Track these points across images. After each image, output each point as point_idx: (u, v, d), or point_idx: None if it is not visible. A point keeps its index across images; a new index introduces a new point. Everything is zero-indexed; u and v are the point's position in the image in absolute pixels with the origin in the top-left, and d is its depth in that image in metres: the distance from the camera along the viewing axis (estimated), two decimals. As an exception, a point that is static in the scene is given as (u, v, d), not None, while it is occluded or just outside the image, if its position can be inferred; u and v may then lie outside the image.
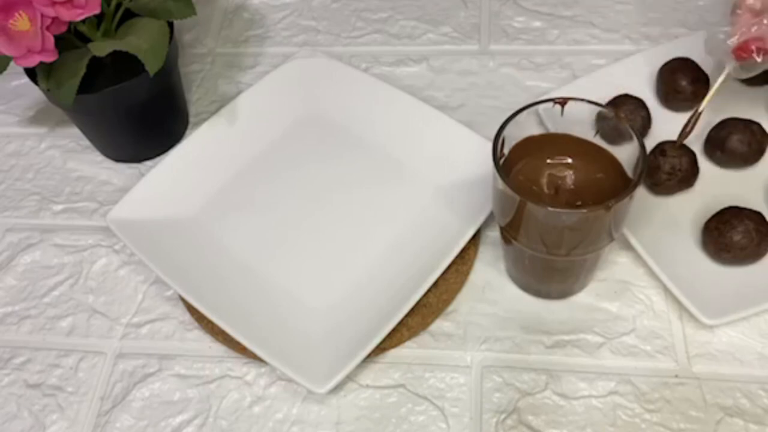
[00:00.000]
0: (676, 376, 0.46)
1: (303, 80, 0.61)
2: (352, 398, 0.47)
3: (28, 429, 0.48)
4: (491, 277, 0.52)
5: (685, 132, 0.51)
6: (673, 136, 0.51)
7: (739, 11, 0.49)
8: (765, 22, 0.48)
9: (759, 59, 0.48)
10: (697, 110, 0.51)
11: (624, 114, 0.53)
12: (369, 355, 0.46)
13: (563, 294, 0.50)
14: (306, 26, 0.70)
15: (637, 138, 0.42)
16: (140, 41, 0.52)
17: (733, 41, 0.48)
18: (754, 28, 0.48)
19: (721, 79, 0.50)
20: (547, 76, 0.63)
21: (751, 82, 0.57)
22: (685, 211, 0.52)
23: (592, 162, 0.45)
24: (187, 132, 0.63)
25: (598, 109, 0.44)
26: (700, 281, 0.48)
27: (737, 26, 0.48)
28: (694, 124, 0.51)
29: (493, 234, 0.54)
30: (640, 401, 0.46)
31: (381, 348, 0.48)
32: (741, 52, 0.48)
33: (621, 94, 0.55)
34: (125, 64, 0.53)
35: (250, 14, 0.72)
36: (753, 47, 0.48)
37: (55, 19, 0.49)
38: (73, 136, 0.64)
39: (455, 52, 0.66)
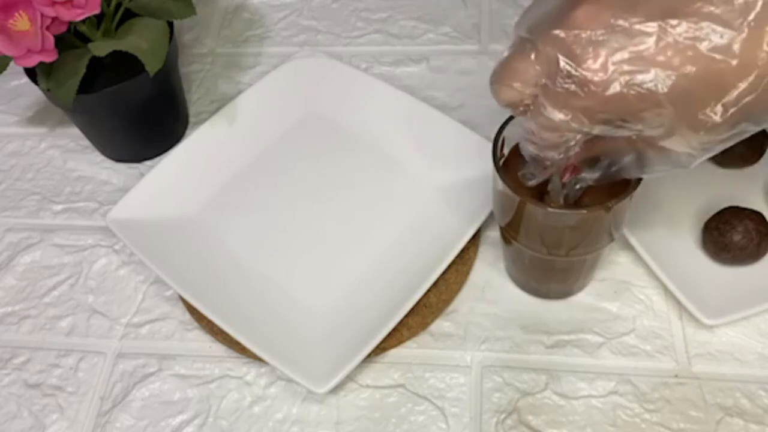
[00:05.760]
0: (676, 376, 0.46)
1: (303, 80, 0.61)
2: (352, 398, 0.47)
3: (28, 429, 0.48)
4: (491, 277, 0.52)
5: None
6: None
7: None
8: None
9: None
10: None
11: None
12: (369, 355, 0.46)
13: (563, 294, 0.50)
14: (306, 26, 0.70)
15: (637, 138, 0.42)
16: (140, 41, 0.52)
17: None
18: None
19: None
20: (547, 76, 0.63)
21: None
22: (685, 211, 0.52)
23: (592, 162, 0.45)
24: (187, 132, 0.63)
25: (598, 109, 0.44)
26: (700, 281, 0.48)
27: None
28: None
29: (493, 234, 0.53)
30: (640, 401, 0.46)
31: (381, 348, 0.48)
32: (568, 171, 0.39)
33: (621, 94, 0.55)
34: (125, 64, 0.53)
35: (250, 14, 0.72)
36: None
37: (55, 19, 0.49)
38: (73, 136, 0.64)
39: (455, 52, 0.66)
